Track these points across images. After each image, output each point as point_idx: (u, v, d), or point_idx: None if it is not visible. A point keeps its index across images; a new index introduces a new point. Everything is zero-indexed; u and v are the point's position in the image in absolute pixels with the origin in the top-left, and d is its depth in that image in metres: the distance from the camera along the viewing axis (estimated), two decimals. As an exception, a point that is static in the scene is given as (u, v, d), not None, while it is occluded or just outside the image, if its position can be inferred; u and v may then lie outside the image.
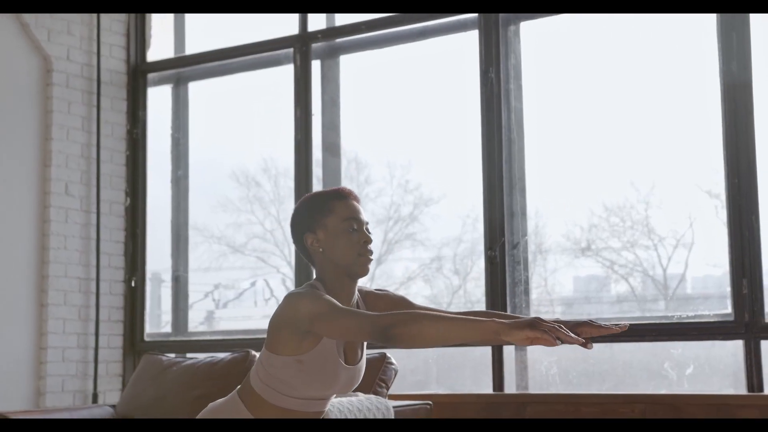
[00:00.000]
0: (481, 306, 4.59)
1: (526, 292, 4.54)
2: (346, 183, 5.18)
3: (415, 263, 5.05)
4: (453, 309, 4.88)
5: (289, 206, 5.12)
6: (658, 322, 4.25)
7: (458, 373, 4.78)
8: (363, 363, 2.56)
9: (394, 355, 3.96)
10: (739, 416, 3.66)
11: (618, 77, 4.49)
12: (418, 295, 5.03)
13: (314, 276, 2.57)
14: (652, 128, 4.39)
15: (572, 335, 2.11)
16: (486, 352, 4.52)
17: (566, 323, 2.37)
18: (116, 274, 5.40)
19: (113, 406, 4.62)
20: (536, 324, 2.09)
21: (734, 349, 4.08)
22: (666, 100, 4.37)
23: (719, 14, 4.08)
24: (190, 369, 4.52)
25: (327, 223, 2.51)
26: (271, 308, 5.39)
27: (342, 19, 5.10)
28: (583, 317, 2.46)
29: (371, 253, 2.51)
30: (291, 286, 5.13)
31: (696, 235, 4.35)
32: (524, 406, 4.00)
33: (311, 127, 5.08)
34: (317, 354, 2.42)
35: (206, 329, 5.56)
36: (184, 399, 4.39)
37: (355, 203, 2.56)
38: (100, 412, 4.53)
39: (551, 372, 4.43)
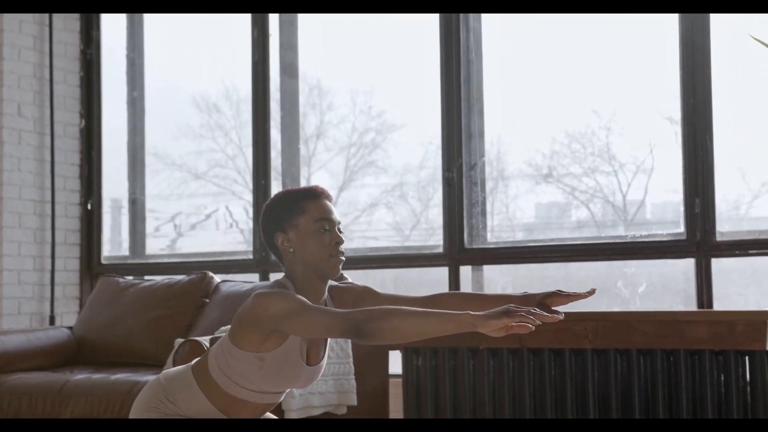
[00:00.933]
0: (438, 235, 4.61)
1: (483, 213, 4.56)
2: (308, 109, 5.14)
3: (378, 190, 5.04)
4: (414, 236, 4.90)
5: (250, 133, 5.07)
6: (612, 241, 4.29)
7: (415, 294, 4.80)
8: (324, 361, 2.54)
9: (351, 276, 3.96)
10: (687, 332, 3.72)
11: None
12: (381, 221, 5.03)
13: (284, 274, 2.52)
14: (613, 55, 4.38)
15: (547, 314, 2.12)
16: (443, 273, 4.55)
17: (534, 297, 2.39)
18: (72, 196, 5.35)
19: (70, 328, 4.62)
20: (511, 312, 2.08)
21: (686, 267, 4.14)
22: (627, 26, 4.35)
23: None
24: (147, 290, 4.52)
25: (298, 223, 2.45)
26: (234, 235, 5.38)
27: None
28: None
29: (343, 254, 2.46)
30: (251, 212, 5.11)
31: (656, 162, 4.38)
32: (479, 325, 4.04)
33: (269, 48, 5.02)
34: (279, 354, 2.39)
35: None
36: (141, 320, 4.40)
37: (328, 203, 2.49)
38: (57, 333, 4.53)
39: (506, 292, 4.48)
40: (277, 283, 2.45)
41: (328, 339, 2.55)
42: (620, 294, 4.30)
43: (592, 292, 2.35)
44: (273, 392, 2.47)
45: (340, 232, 2.47)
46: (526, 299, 2.40)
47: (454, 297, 2.53)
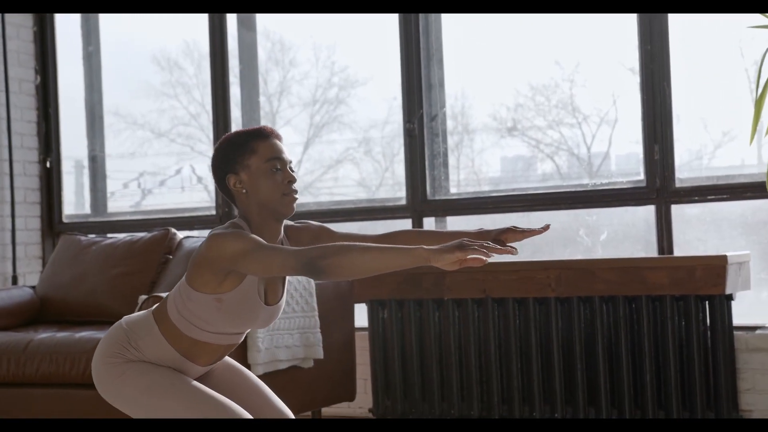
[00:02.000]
0: (404, 190, 4.61)
1: (445, 164, 4.56)
2: (271, 66, 5.09)
3: (343, 146, 5.02)
4: (381, 192, 4.89)
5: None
6: (574, 190, 4.32)
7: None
8: (283, 301, 2.54)
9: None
10: (648, 279, 3.77)
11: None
12: (347, 177, 5.02)
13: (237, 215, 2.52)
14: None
15: (500, 247, 2.12)
16: (407, 225, 4.55)
17: (490, 233, 2.40)
18: (30, 154, 5.28)
19: (33, 288, 4.59)
20: (465, 246, 2.08)
21: (646, 214, 4.18)
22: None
23: None
24: (110, 248, 4.49)
25: (249, 163, 2.44)
26: (199, 193, 5.34)
27: None
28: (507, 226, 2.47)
29: (296, 192, 2.45)
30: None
31: (619, 113, 4.39)
32: (443, 276, 4.06)
33: (226, 1, 4.95)
34: (237, 294, 2.40)
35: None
36: (104, 277, 4.38)
37: (277, 142, 2.47)
38: (20, 293, 4.50)
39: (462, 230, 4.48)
40: (232, 224, 2.44)
41: (286, 279, 2.56)
42: (582, 242, 4.34)
43: (546, 228, 2.36)
44: (232, 333, 2.48)
45: (292, 170, 2.47)
46: (481, 235, 2.42)
47: (410, 234, 2.54)
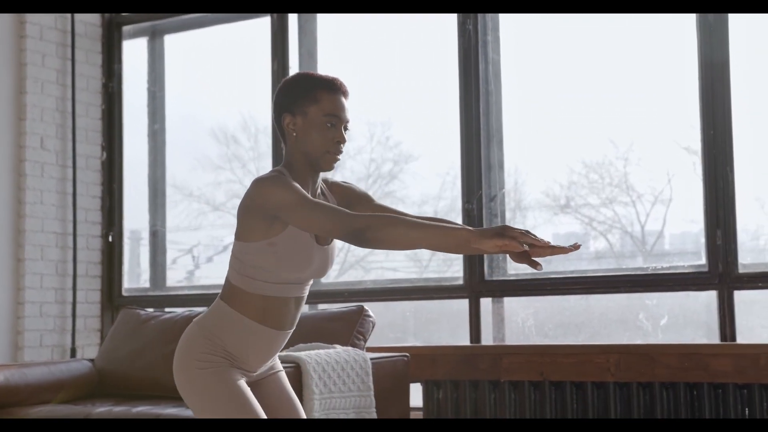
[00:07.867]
0: (456, 266, 4.61)
1: (503, 245, 4.54)
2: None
3: (396, 221, 5.04)
4: (433, 266, 4.90)
5: (269, 164, 5.09)
6: (633, 273, 4.28)
7: (435, 326, 4.80)
8: (334, 245, 2.60)
9: (371, 308, 3.97)
10: (711, 365, 3.70)
11: (596, 33, 4.47)
12: (399, 252, 5.03)
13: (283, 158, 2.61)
14: (630, 84, 4.39)
15: (540, 238, 2.19)
16: (463, 305, 4.54)
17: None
18: (93, 229, 5.38)
19: (91, 360, 4.63)
20: (506, 231, 2.16)
21: (708, 299, 4.12)
22: (644, 55, 4.36)
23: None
24: (168, 323, 4.52)
25: (308, 111, 2.51)
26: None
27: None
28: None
29: (341, 152, 2.53)
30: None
31: (674, 192, 4.37)
32: (500, 358, 4.03)
33: (288, 81, 5.04)
34: (289, 236, 2.45)
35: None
36: (162, 352, 4.40)
37: (342, 99, 2.53)
38: (79, 366, 4.54)
39: (528, 324, 4.46)
40: (276, 171, 2.51)
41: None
42: (642, 326, 4.28)
43: (577, 247, 2.29)
44: (293, 282, 2.51)
45: (346, 130, 2.53)
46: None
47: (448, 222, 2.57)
